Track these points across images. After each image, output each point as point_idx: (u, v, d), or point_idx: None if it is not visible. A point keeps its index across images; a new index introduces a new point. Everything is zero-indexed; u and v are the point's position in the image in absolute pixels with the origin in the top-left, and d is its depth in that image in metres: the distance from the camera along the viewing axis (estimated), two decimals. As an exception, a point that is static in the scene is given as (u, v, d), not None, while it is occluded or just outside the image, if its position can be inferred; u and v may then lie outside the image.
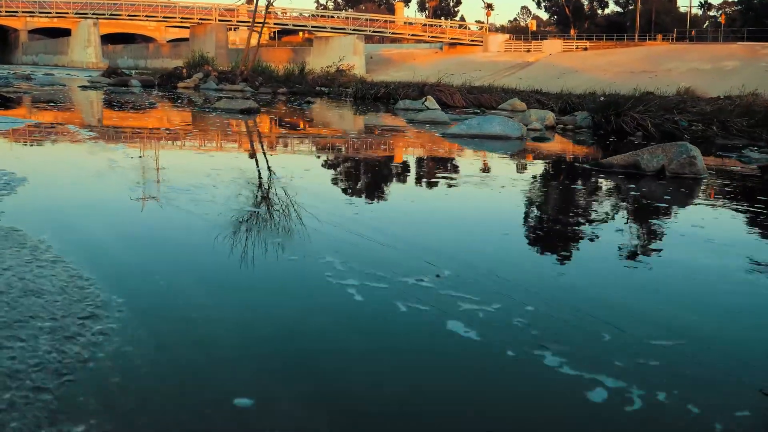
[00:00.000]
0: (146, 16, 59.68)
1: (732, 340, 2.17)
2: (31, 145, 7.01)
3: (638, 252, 3.23)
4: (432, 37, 58.90)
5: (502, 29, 73.71)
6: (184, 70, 24.49)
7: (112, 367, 1.72)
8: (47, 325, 1.93)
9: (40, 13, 59.06)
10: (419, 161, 6.98)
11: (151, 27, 77.74)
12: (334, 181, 5.34)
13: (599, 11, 68.87)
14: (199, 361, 1.81)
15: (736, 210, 4.58)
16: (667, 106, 11.66)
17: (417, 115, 12.67)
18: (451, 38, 58.12)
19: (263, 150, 7.52)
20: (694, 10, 67.53)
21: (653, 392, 1.74)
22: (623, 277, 2.80)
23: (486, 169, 6.29)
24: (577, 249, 3.29)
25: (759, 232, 3.91)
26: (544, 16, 79.19)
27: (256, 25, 29.65)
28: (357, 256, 2.83)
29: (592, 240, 3.44)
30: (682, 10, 66.04)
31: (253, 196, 4.30)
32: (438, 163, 6.79)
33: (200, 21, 57.48)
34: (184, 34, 67.25)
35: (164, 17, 60.19)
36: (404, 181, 5.67)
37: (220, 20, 57.05)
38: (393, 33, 59.05)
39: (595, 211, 4.32)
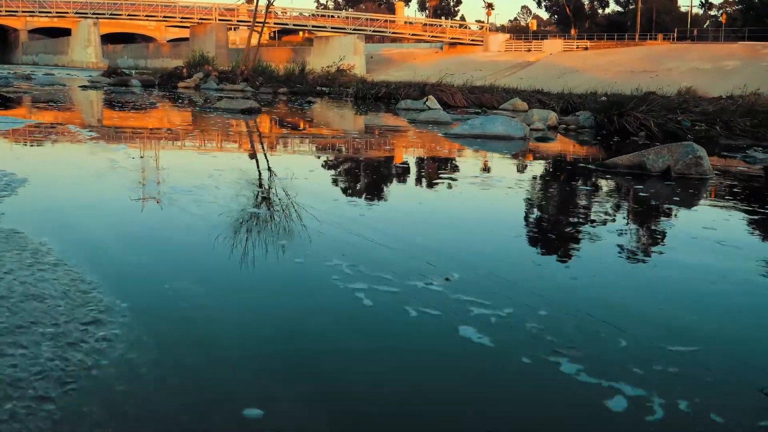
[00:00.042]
0: (146, 15, 59.62)
1: (754, 348, 2.12)
2: (32, 146, 6.96)
3: (650, 255, 3.18)
4: (432, 36, 58.83)
5: (502, 29, 73.61)
6: (185, 70, 24.43)
7: (116, 375, 1.67)
8: (49, 331, 1.88)
9: (40, 12, 59.00)
10: (423, 162, 6.93)
11: (151, 27, 77.70)
12: (339, 183, 5.29)
13: (600, 11, 68.82)
14: (206, 369, 1.76)
15: (746, 211, 4.53)
16: (669, 106, 11.61)
17: (419, 115, 12.62)
18: (452, 38, 58.06)
19: (265, 150, 7.47)
20: (695, 10, 67.46)
21: (674, 401, 1.69)
22: (636, 281, 2.75)
23: (491, 170, 6.23)
24: (588, 252, 3.23)
25: (770, 234, 3.86)
26: (544, 15, 79.14)
27: (256, 24, 29.60)
28: (364, 259, 2.78)
29: (602, 242, 3.39)
30: (682, 9, 66.03)
31: (256, 198, 4.25)
32: (442, 164, 6.74)
33: (200, 21, 57.42)
34: (184, 33, 67.20)
35: (164, 17, 60.12)
36: (410, 182, 5.61)
37: (220, 20, 56.99)
38: (393, 33, 58.99)
39: (603, 212, 4.27)
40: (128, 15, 59.39)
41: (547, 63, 45.01)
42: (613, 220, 4.01)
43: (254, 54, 26.78)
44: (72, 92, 17.51)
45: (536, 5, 73.99)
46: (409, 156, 7.48)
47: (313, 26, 58.87)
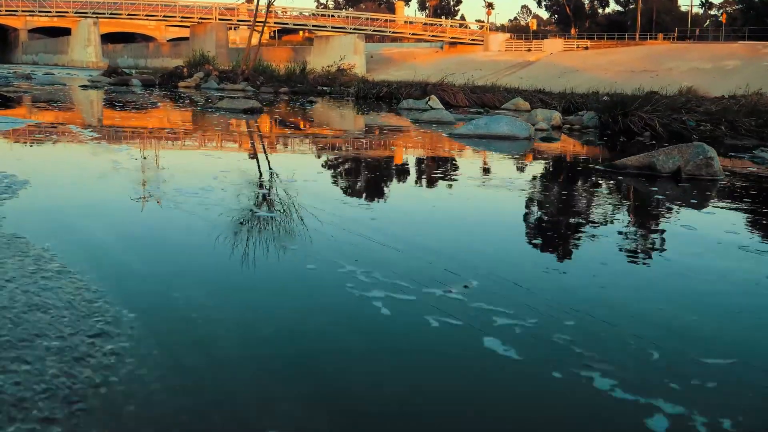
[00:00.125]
0: (146, 15, 59.56)
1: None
2: (33, 147, 6.86)
3: (675, 262, 3.05)
4: (433, 36, 58.78)
5: (502, 28, 73.56)
6: (185, 70, 24.35)
7: (126, 394, 1.57)
8: (54, 344, 1.78)
9: (40, 12, 58.95)
10: (431, 163, 6.82)
11: (151, 26, 77.65)
12: (349, 185, 5.16)
13: (600, 10, 68.78)
14: (223, 387, 1.66)
15: (766, 215, 4.45)
16: (673, 106, 11.55)
17: (421, 114, 12.53)
18: (452, 37, 58.01)
19: (270, 151, 7.38)
20: (695, 10, 67.44)
21: (716, 420, 1.60)
22: (665, 290, 2.63)
23: (501, 172, 6.13)
24: (611, 257, 3.11)
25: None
26: (544, 15, 79.09)
27: (257, 24, 29.53)
28: (379, 265, 2.68)
29: (624, 248, 3.28)
30: (683, 9, 65.99)
31: (264, 201, 4.14)
32: (451, 166, 6.63)
33: (200, 20, 57.37)
34: (184, 33, 67.15)
35: (164, 16, 60.07)
36: (421, 184, 5.50)
37: (220, 19, 56.95)
38: (394, 32, 58.94)
39: (621, 217, 4.16)
40: (128, 14, 59.34)
41: (548, 63, 44.97)
42: (632, 225, 3.91)
43: (255, 53, 26.71)
44: (72, 92, 17.41)
45: (536, 5, 74.11)
46: (416, 157, 7.38)
47: (313, 26, 58.82)
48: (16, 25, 78.51)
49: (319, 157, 7.02)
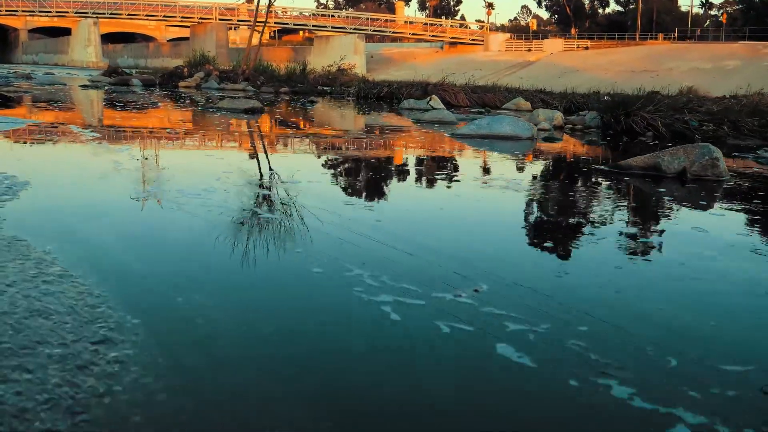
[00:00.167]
0: (146, 15, 59.49)
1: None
2: (33, 147, 6.81)
3: (690, 266, 2.98)
4: (433, 36, 58.72)
5: (502, 28, 73.50)
6: (186, 70, 24.29)
7: (130, 403, 1.52)
8: (56, 352, 1.73)
9: (40, 12, 58.88)
10: (435, 164, 6.76)
11: (151, 26, 77.59)
12: (354, 186, 5.09)
13: (600, 10, 68.72)
14: (231, 397, 1.60)
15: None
16: (676, 106, 11.52)
17: (423, 115, 12.48)
18: (452, 37, 57.95)
19: (273, 151, 7.32)
20: (695, 10, 67.40)
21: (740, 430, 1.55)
22: (681, 295, 2.58)
23: (506, 173, 6.08)
24: (622, 261, 3.05)
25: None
26: (544, 15, 79.04)
27: (257, 24, 29.47)
28: (387, 268, 2.62)
29: (636, 251, 3.21)
30: (683, 9, 65.93)
31: (268, 202, 4.09)
32: (455, 166, 6.58)
33: (200, 20, 57.30)
34: (185, 33, 67.08)
35: (164, 16, 60.00)
36: (425, 185, 5.41)
37: (220, 19, 56.88)
38: (394, 32, 58.88)
39: (631, 218, 4.10)
40: (128, 15, 59.27)
41: (548, 62, 44.91)
42: (643, 227, 3.84)
43: (255, 53, 26.66)
44: (73, 92, 17.35)
45: (536, 5, 74.03)
46: (420, 157, 7.32)
47: (313, 26, 58.77)
48: (16, 25, 78.43)
49: (322, 157, 6.97)
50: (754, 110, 11.36)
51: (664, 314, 2.31)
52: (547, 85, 21.44)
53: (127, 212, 3.61)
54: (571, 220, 4.02)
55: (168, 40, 75.55)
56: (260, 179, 5.09)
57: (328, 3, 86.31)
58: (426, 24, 60.80)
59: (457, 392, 1.73)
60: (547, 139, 9.39)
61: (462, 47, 56.35)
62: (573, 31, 61.79)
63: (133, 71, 31.66)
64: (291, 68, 25.54)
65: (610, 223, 3.86)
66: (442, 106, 14.42)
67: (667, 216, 4.26)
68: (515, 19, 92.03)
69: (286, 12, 57.45)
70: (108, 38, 70.77)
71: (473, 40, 57.38)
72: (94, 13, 58.10)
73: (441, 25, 60.02)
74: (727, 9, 65.43)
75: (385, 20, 59.12)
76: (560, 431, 1.57)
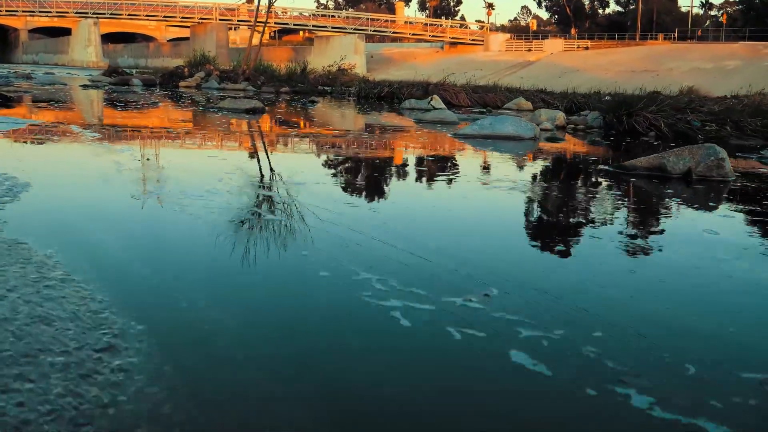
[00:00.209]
0: (147, 15, 59.44)
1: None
2: (34, 147, 6.75)
3: (705, 270, 2.92)
4: (433, 36, 58.68)
5: (502, 29, 73.47)
6: (186, 69, 24.25)
7: (135, 414, 1.47)
8: (59, 360, 1.68)
9: (40, 12, 58.83)
10: (441, 165, 6.69)
11: (151, 26, 77.54)
12: (359, 187, 5.02)
13: (600, 11, 68.68)
14: (240, 407, 1.55)
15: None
16: (678, 106, 11.48)
17: (425, 115, 12.43)
18: (452, 37, 57.91)
19: (276, 152, 7.26)
20: (696, 10, 67.35)
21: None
22: (697, 299, 2.53)
23: (512, 174, 6.02)
24: (635, 264, 2.98)
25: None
26: (544, 15, 79.01)
27: (258, 24, 29.43)
28: (394, 271, 2.57)
29: (648, 254, 3.15)
30: (683, 9, 65.87)
31: (273, 204, 4.03)
32: (461, 167, 6.52)
33: (201, 20, 57.24)
34: (185, 33, 67.02)
35: (165, 17, 59.94)
36: (431, 187, 5.29)
37: (220, 20, 56.82)
38: (394, 32, 58.84)
39: (641, 221, 4.04)
40: (128, 15, 59.21)
41: (548, 62, 44.86)
42: (655, 230, 3.76)
43: (256, 53, 26.62)
44: (73, 91, 17.29)
45: (536, 5, 73.99)
46: (425, 158, 7.24)
47: (313, 26, 58.74)
48: (16, 25, 78.37)
49: (326, 158, 6.91)
50: (756, 110, 11.33)
51: (681, 319, 2.26)
52: (547, 85, 21.40)
53: (129, 214, 3.55)
54: (579, 222, 3.97)
55: (168, 40, 75.49)
56: (264, 180, 5.03)
57: (328, 3, 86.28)
58: (426, 24, 60.75)
59: (471, 400, 1.68)
60: (549, 140, 9.34)
61: (462, 47, 56.31)
62: (573, 31, 61.76)
63: (134, 71, 31.61)
64: (291, 68, 25.50)
65: (620, 226, 3.81)
66: (443, 105, 14.38)
67: (677, 218, 4.21)
68: (515, 19, 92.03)
69: (286, 12, 57.42)
70: (108, 38, 70.73)
71: (473, 40, 57.34)
72: (94, 14, 58.04)
73: (441, 25, 59.97)
74: (727, 9, 65.41)
75: (385, 20, 59.07)
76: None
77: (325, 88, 22.68)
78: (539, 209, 4.38)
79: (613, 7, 67.68)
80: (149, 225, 3.35)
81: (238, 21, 57.47)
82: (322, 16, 60.58)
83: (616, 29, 56.78)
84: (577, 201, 4.76)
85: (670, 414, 1.59)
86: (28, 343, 1.77)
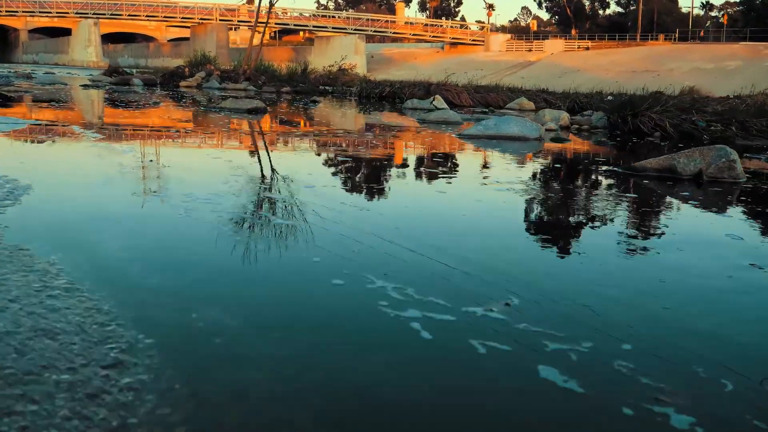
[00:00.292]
0: (147, 16, 59.39)
1: None
2: (35, 148, 6.66)
3: (738, 277, 2.79)
4: (433, 36, 58.66)
5: (503, 29, 73.46)
6: (187, 69, 24.19)
7: (147, 438, 1.38)
8: (64, 378, 1.58)
9: (40, 12, 58.78)
10: (449, 167, 6.56)
11: (151, 26, 77.50)
12: (369, 190, 4.85)
13: (600, 12, 68.67)
14: (256, 428, 1.46)
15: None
16: (682, 106, 11.42)
17: (428, 115, 12.35)
18: (453, 38, 57.91)
19: (281, 153, 7.16)
20: (696, 11, 67.31)
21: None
22: (732, 308, 2.42)
23: (521, 175, 5.92)
24: (661, 272, 2.85)
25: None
26: (544, 16, 79.04)
27: (258, 25, 29.36)
28: (411, 279, 2.47)
29: (677, 261, 3.03)
30: (683, 10, 65.83)
31: (282, 209, 3.91)
32: (469, 169, 6.43)
33: (201, 21, 57.17)
34: (185, 33, 66.97)
35: (165, 17, 59.90)
36: (440, 189, 5.08)
37: (221, 20, 56.78)
38: (395, 33, 58.83)
39: (661, 225, 3.91)
40: (129, 15, 59.15)
41: (549, 63, 44.83)
42: (676, 235, 3.60)
43: (257, 53, 26.55)
44: (74, 91, 17.20)
45: (537, 6, 74.02)
46: (432, 159, 7.11)
47: (314, 26, 58.72)
48: (16, 25, 78.31)
49: (334, 159, 6.77)
50: (759, 110, 11.27)
51: (717, 331, 2.16)
52: (548, 85, 21.34)
53: (135, 219, 3.44)
54: (597, 227, 3.86)
55: (168, 40, 75.46)
56: (271, 183, 4.92)
57: (329, 4, 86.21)
58: (427, 25, 60.74)
59: (500, 419, 1.58)
60: (555, 140, 9.25)
61: (462, 48, 56.28)
62: (573, 32, 61.75)
63: (134, 71, 31.52)
64: (292, 68, 25.43)
65: (641, 231, 3.70)
66: (445, 105, 14.32)
67: (698, 223, 4.09)
68: (515, 20, 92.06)
69: (286, 13, 57.35)
70: (108, 38, 70.68)
71: (474, 40, 57.32)
72: (94, 14, 57.99)
73: (441, 26, 59.94)
74: (728, 10, 65.39)
75: (386, 21, 59.04)
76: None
77: (326, 87, 22.60)
78: (554, 213, 4.28)
79: (613, 8, 67.74)
80: (156, 230, 3.24)
81: (238, 21, 57.45)
82: (323, 16, 60.56)
83: (617, 30, 56.78)
84: (592, 205, 4.65)
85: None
86: (32, 359, 1.67)
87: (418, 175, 5.90)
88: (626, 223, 3.95)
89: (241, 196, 4.14)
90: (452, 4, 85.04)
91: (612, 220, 4.02)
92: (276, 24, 55.23)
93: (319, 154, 7.28)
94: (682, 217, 4.27)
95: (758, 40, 40.42)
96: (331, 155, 7.12)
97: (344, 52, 43.13)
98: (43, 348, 1.73)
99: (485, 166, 6.71)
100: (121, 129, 8.96)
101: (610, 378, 1.78)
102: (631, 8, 62.15)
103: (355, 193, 4.64)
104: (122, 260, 2.64)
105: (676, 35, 50.04)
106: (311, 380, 1.70)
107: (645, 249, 3.27)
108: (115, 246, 2.84)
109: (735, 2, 63.91)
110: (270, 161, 6.38)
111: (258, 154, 6.92)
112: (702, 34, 52.37)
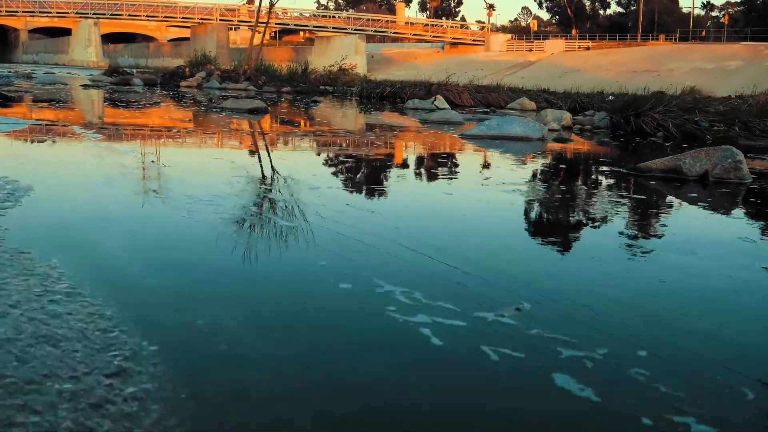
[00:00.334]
0: (147, 16, 59.33)
1: None
2: (36, 149, 6.60)
3: (756, 282, 2.74)
4: (434, 36, 58.63)
5: (503, 29, 73.40)
6: (187, 69, 24.15)
7: (153, 451, 1.33)
8: (67, 387, 1.53)
9: (40, 12, 58.72)
10: (453, 168, 6.51)
11: (151, 26, 77.44)
12: (375, 192, 4.76)
13: (601, 12, 68.60)
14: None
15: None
16: (685, 107, 11.38)
17: (430, 115, 12.30)
18: (453, 38, 57.87)
19: (284, 154, 7.11)
20: (697, 11, 67.27)
21: None
22: (752, 314, 2.37)
23: (527, 176, 5.87)
24: (678, 276, 2.79)
25: None
26: (545, 16, 78.99)
27: (259, 25, 29.32)
28: (419, 283, 2.42)
29: (693, 265, 2.96)
30: (684, 11, 65.77)
31: (285, 210, 3.85)
32: (475, 170, 6.36)
33: (201, 21, 57.11)
34: (185, 33, 66.91)
35: (165, 17, 59.84)
36: (447, 191, 5.02)
37: (221, 20, 56.71)
38: (395, 33, 58.79)
39: (671, 227, 3.85)
40: (129, 15, 59.09)
41: (549, 63, 44.77)
42: (688, 237, 3.55)
43: (257, 53, 26.51)
44: (74, 91, 17.15)
45: (537, 6, 74.03)
46: (436, 160, 7.05)
47: (314, 26, 58.67)
48: (16, 25, 78.24)
49: (338, 160, 6.69)
50: (762, 110, 11.23)
51: (738, 338, 2.11)
52: (548, 85, 21.31)
53: (138, 221, 3.39)
54: (604, 229, 3.80)
55: (168, 40, 75.40)
56: (273, 184, 4.87)
57: (329, 4, 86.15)
58: (427, 25, 60.70)
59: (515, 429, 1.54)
60: (557, 140, 9.21)
61: (463, 48, 56.22)
62: (574, 32, 61.68)
63: (134, 71, 31.46)
64: (293, 68, 25.40)
65: (653, 234, 3.65)
66: (447, 106, 14.29)
67: (708, 225, 4.03)
68: (516, 20, 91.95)
69: (286, 13, 57.32)
70: (108, 38, 70.61)
71: (474, 40, 57.27)
72: (94, 14, 57.92)
73: (442, 26, 59.90)
74: (728, 10, 65.31)
75: (386, 21, 59.00)
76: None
77: (327, 87, 22.55)
78: (565, 215, 4.23)
79: (614, 8, 67.67)
80: (159, 233, 3.19)
81: (238, 21, 57.40)
82: (323, 16, 60.53)
83: (617, 30, 56.72)
84: (601, 207, 4.58)
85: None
86: (33, 367, 1.62)
87: (424, 176, 5.85)
88: (638, 225, 3.90)
89: (246, 198, 4.09)
90: (452, 4, 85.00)
91: (623, 223, 3.97)
92: (276, 24, 55.15)
93: (323, 155, 7.22)
94: (692, 219, 4.21)
95: (759, 40, 40.37)
96: (336, 156, 7.06)
97: (344, 52, 43.08)
98: (45, 356, 1.68)
99: (491, 167, 6.66)
100: (122, 129, 8.91)
101: (627, 386, 1.72)
102: (632, 8, 62.09)
103: (363, 195, 4.58)
104: (125, 264, 2.59)
105: (677, 35, 49.97)
106: (324, 384, 1.65)
107: (658, 251, 3.22)
108: (117, 249, 2.79)
109: (736, 2, 63.86)
110: (274, 162, 6.32)
111: (262, 154, 6.86)
112: (704, 33, 52.32)
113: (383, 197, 4.57)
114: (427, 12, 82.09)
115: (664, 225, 3.93)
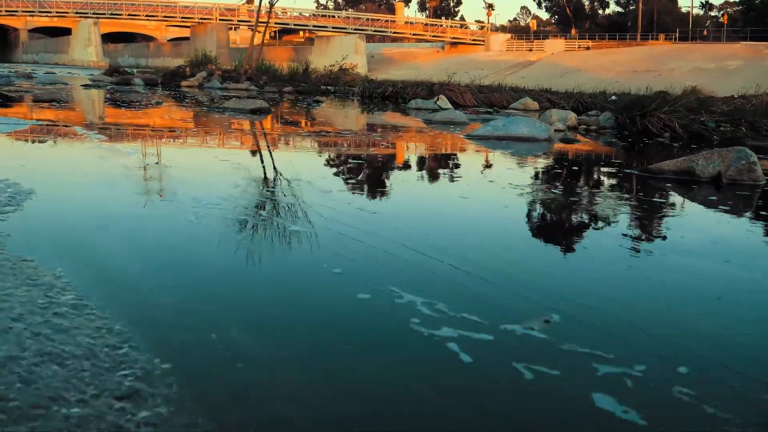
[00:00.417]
0: (147, 16, 59.21)
1: None
2: (37, 150, 6.49)
3: None
4: (434, 36, 58.52)
5: (502, 29, 73.32)
6: (188, 69, 24.06)
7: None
8: (75, 412, 1.42)
9: (40, 12, 58.60)
10: (462, 170, 6.38)
11: (151, 26, 77.32)
12: (386, 195, 4.62)
13: (600, 11, 68.50)
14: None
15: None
16: (690, 107, 11.29)
17: (433, 115, 12.19)
18: (453, 38, 57.76)
19: (290, 155, 7.00)
20: (696, 11, 67.19)
21: None
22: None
23: (538, 178, 5.75)
24: (706, 284, 2.69)
25: None
26: (544, 16, 78.88)
27: (259, 24, 29.23)
28: (441, 293, 2.31)
29: (726, 274, 2.84)
30: (683, 10, 65.68)
31: (294, 214, 3.72)
32: (485, 171, 6.23)
33: (201, 21, 57.00)
34: (185, 33, 66.78)
35: (165, 17, 59.71)
36: (459, 194, 4.88)
37: (221, 20, 56.59)
38: (395, 32, 58.68)
39: (695, 232, 3.74)
40: (128, 15, 58.97)
41: (549, 62, 44.68)
42: (717, 243, 3.46)
43: (257, 53, 26.41)
44: (75, 91, 17.03)
45: (536, 6, 73.90)
46: (445, 162, 6.94)
47: (314, 26, 58.57)
48: (16, 25, 78.08)
49: (346, 161, 6.52)
50: (767, 110, 11.16)
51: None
52: (549, 85, 21.24)
53: (144, 226, 3.27)
54: (624, 232, 3.68)
55: (168, 40, 75.27)
56: (282, 187, 4.74)
57: (328, 4, 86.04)
58: (427, 24, 60.59)
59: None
60: (564, 141, 9.09)
61: (463, 47, 56.11)
62: (573, 31, 61.61)
63: (135, 71, 31.35)
64: (294, 68, 25.31)
65: (676, 238, 3.54)
66: (450, 105, 14.21)
67: (732, 229, 3.91)
68: (515, 19, 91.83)
69: (286, 12, 57.23)
70: (108, 38, 70.48)
71: (474, 40, 57.17)
72: (94, 14, 57.81)
73: (441, 25, 59.79)
74: (728, 10, 65.26)
75: (386, 21, 58.89)
76: None
77: (328, 87, 22.46)
78: (579, 218, 4.13)
79: (613, 8, 67.55)
80: (167, 239, 3.06)
81: (238, 21, 57.30)
82: (323, 16, 60.41)
83: (617, 30, 56.63)
84: (616, 210, 4.44)
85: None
86: (38, 389, 1.51)
87: (437, 179, 5.74)
88: (661, 229, 3.79)
89: (254, 203, 3.97)
90: (452, 4, 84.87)
91: (646, 227, 3.86)
92: (276, 24, 55.03)
93: (331, 157, 7.09)
94: (713, 223, 4.08)
95: (758, 40, 40.28)
96: (344, 158, 6.92)
97: (344, 52, 42.98)
98: (51, 376, 1.57)
99: (501, 169, 6.53)
100: (125, 130, 8.79)
101: (672, 407, 1.62)
102: (631, 8, 61.98)
103: (375, 198, 4.46)
104: (132, 272, 2.47)
105: (677, 35, 49.88)
106: (346, 403, 1.54)
107: (686, 259, 3.11)
108: (123, 256, 2.68)
109: (735, 2, 63.81)
110: (282, 165, 6.20)
111: (268, 156, 6.74)
112: (705, 32, 52.25)
113: (400, 201, 4.44)
114: (427, 12, 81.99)
115: (692, 228, 3.83)
